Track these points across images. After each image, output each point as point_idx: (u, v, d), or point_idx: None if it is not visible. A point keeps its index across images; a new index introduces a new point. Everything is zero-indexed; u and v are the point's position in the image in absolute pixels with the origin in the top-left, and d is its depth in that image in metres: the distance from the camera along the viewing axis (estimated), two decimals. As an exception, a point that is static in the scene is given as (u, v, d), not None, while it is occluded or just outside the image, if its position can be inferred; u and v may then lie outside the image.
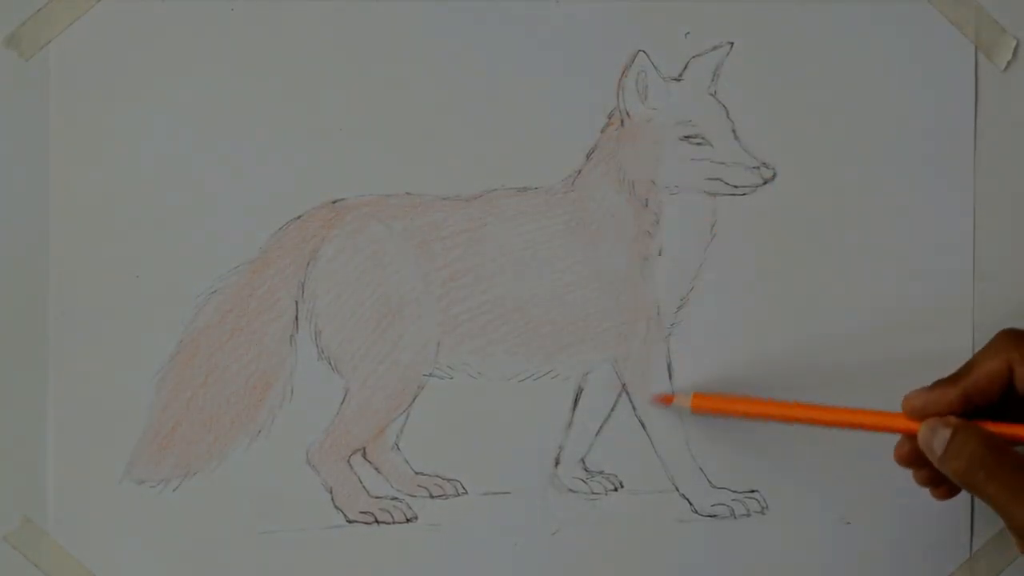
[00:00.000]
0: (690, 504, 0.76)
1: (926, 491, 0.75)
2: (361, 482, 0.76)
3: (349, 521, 0.76)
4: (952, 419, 0.67)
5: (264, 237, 0.75)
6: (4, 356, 0.75)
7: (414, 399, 0.76)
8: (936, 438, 0.67)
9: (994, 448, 0.65)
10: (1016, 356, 0.67)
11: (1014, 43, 0.76)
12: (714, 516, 0.76)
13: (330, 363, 0.76)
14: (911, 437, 0.69)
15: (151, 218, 0.75)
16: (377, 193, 0.76)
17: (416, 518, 0.76)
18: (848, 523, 0.77)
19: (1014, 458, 0.65)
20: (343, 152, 0.75)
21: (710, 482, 0.76)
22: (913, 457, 0.69)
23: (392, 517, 0.76)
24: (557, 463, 0.76)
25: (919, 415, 0.68)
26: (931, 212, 0.76)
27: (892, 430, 0.70)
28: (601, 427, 0.76)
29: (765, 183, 0.76)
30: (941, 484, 0.70)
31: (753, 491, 0.77)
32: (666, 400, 0.75)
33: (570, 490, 0.76)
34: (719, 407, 0.73)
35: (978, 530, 0.76)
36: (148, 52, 0.75)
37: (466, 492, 0.76)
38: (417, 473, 0.76)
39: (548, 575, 0.76)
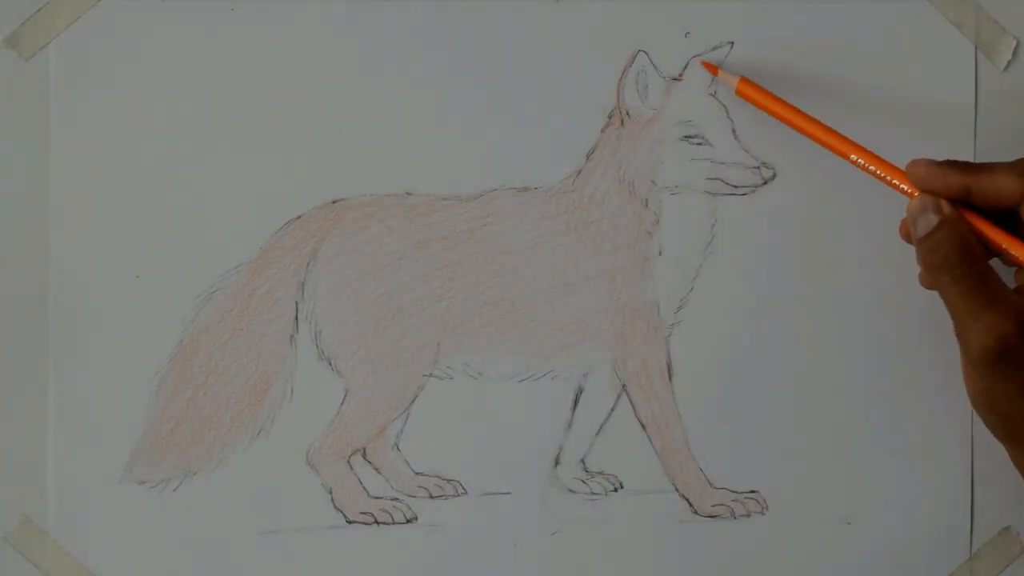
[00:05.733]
0: (690, 504, 0.76)
1: (926, 491, 0.75)
2: (361, 482, 0.76)
3: (349, 521, 0.76)
4: (945, 207, 0.66)
5: (264, 237, 0.75)
6: (4, 356, 0.75)
7: (414, 399, 0.76)
8: (921, 220, 0.66)
9: (969, 253, 0.65)
10: None
11: (1014, 43, 0.76)
12: (714, 516, 0.76)
13: (330, 363, 0.76)
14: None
15: (151, 218, 0.75)
16: (377, 193, 0.76)
17: (416, 518, 0.76)
18: (848, 523, 0.77)
19: (984, 270, 0.64)
20: (343, 152, 0.75)
21: (710, 482, 0.76)
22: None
23: (392, 517, 0.76)
24: (557, 463, 0.76)
25: (918, 183, 0.67)
26: (931, 212, 0.76)
27: (889, 183, 0.69)
28: (601, 427, 0.76)
29: (765, 183, 0.76)
30: None
31: (753, 491, 0.77)
32: (712, 69, 0.74)
33: (570, 490, 0.76)
34: (760, 100, 0.72)
35: (978, 530, 0.76)
36: (148, 52, 0.75)
37: (466, 492, 0.76)
38: (417, 473, 0.76)
39: (548, 575, 0.76)
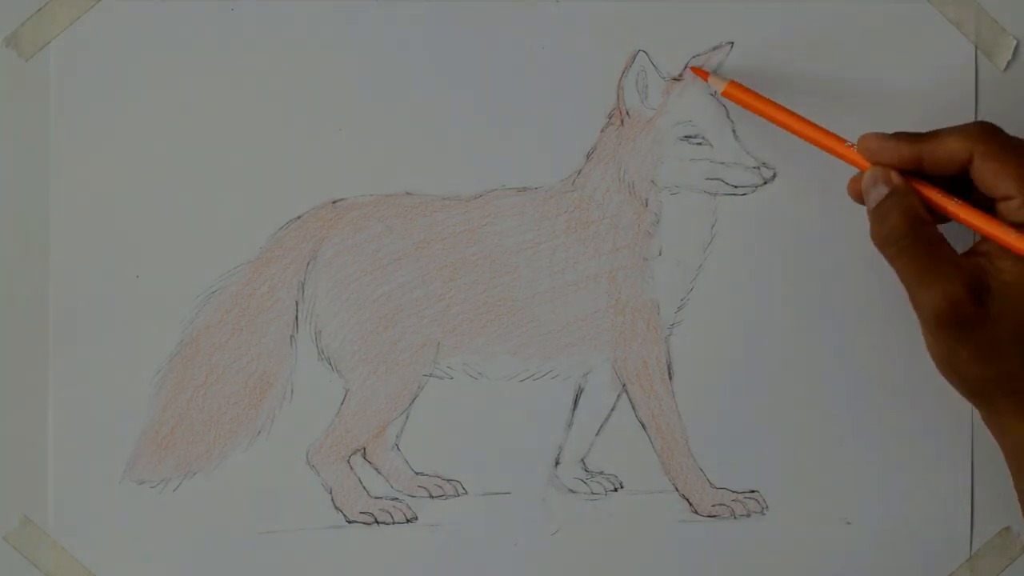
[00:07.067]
0: (690, 504, 0.76)
1: (926, 491, 0.75)
2: (361, 482, 0.76)
3: (349, 521, 0.76)
4: (895, 178, 0.67)
5: (264, 237, 0.75)
6: (4, 356, 0.75)
7: (414, 399, 0.76)
8: (873, 191, 0.68)
9: (916, 223, 0.66)
10: (981, 148, 0.66)
11: (1014, 43, 0.76)
12: (714, 516, 0.76)
13: (330, 363, 0.76)
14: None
15: (151, 218, 0.75)
16: (377, 193, 0.76)
17: (416, 518, 0.76)
18: (848, 523, 0.77)
19: (932, 237, 0.66)
20: (343, 152, 0.75)
21: (710, 482, 0.76)
22: (861, 195, 0.70)
23: (392, 517, 0.76)
24: (557, 463, 0.76)
25: (870, 157, 0.69)
26: (931, 212, 0.76)
27: (845, 158, 0.70)
28: (601, 427, 0.76)
29: (765, 183, 0.76)
30: None
31: (753, 491, 0.77)
32: (702, 74, 0.74)
33: (570, 490, 0.76)
34: (748, 102, 0.73)
35: (978, 530, 0.76)
36: (148, 52, 0.75)
37: (466, 492, 0.76)
38: (417, 473, 0.76)
39: (548, 575, 0.76)
